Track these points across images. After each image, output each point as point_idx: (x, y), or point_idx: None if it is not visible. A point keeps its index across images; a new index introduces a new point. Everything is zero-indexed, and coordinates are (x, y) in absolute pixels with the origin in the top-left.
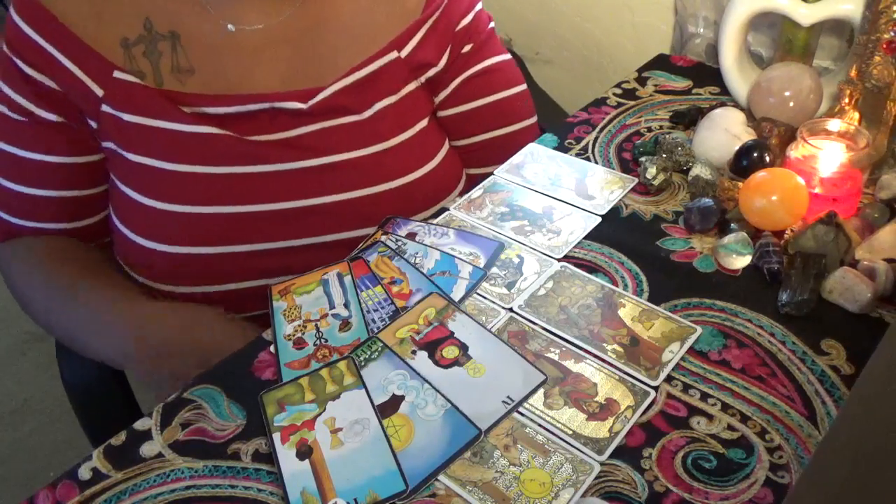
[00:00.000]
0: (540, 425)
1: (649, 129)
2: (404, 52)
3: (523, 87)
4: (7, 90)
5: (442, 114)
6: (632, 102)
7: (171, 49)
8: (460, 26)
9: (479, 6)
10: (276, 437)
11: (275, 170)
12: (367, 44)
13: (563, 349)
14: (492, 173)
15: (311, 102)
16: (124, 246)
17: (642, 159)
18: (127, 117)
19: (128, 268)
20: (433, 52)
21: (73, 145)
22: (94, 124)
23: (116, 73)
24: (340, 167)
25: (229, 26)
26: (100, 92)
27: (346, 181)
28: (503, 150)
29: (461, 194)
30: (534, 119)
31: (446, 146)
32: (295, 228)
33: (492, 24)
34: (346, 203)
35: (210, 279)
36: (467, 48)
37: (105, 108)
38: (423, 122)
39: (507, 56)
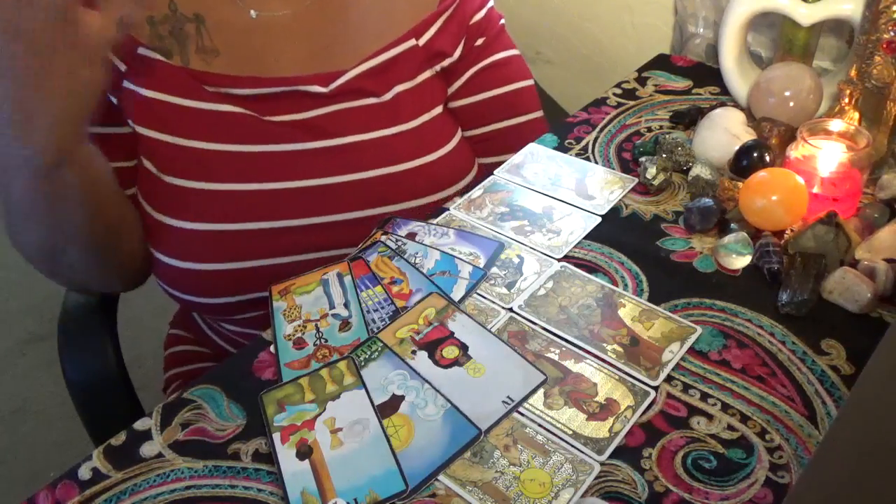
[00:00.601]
0: (540, 425)
1: (649, 129)
2: (422, 41)
3: (531, 81)
4: None
5: (454, 104)
6: (632, 102)
7: (196, 31)
8: (474, 20)
9: (491, 3)
10: (276, 437)
11: (293, 149)
12: (387, 30)
13: (563, 349)
14: (502, 163)
15: (332, 86)
16: (145, 221)
17: (642, 159)
18: (147, 93)
19: (149, 243)
20: (449, 43)
21: (103, 116)
22: (114, 100)
23: (141, 50)
24: (358, 147)
25: (252, 12)
26: (122, 67)
27: (364, 161)
28: (512, 140)
29: (470, 185)
30: (540, 112)
31: (459, 134)
32: (310, 207)
33: (502, 21)
34: (363, 182)
35: (227, 256)
36: (480, 41)
37: (126, 83)
38: (438, 109)
39: (516, 51)
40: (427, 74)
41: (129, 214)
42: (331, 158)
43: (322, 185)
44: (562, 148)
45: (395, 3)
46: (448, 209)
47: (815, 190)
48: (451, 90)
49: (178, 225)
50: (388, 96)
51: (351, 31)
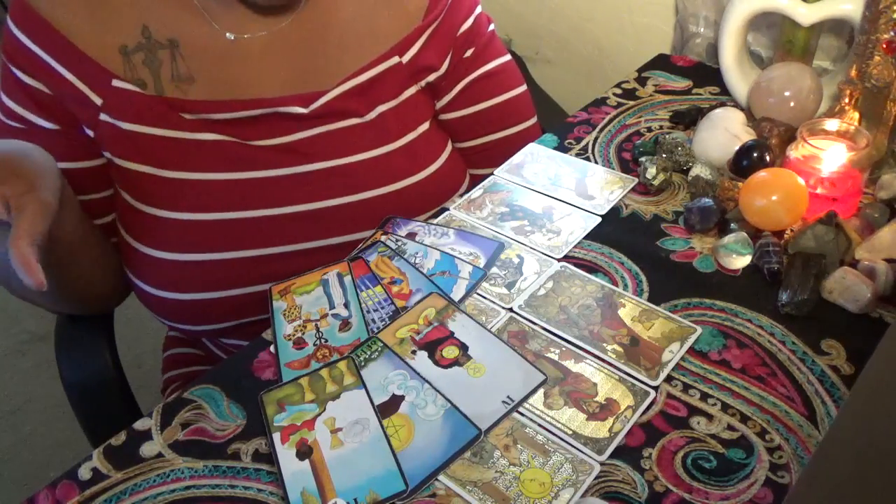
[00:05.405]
0: (540, 425)
1: (649, 129)
2: (406, 58)
3: (524, 87)
4: (4, 98)
5: (445, 117)
6: (632, 102)
7: (171, 57)
8: (461, 31)
9: (478, 10)
10: (276, 437)
11: (277, 175)
12: (369, 49)
13: (563, 349)
14: (493, 173)
15: (312, 107)
16: (127, 253)
17: (642, 159)
18: (126, 126)
19: (131, 275)
20: (435, 57)
21: (73, 151)
22: (91, 133)
23: (115, 82)
24: (344, 170)
25: (228, 35)
26: (98, 101)
27: (350, 184)
28: (507, 150)
29: (463, 195)
30: (535, 119)
31: (449, 148)
32: (298, 232)
33: (492, 27)
34: (350, 206)
35: (215, 286)
36: (469, 53)
37: (103, 116)
38: (425, 125)
39: (508, 57)
40: (412, 91)
41: (90, 259)
42: (318, 182)
43: (311, 210)
44: (562, 148)
45: (377, 19)
46: (448, 209)
47: (816, 190)
48: (441, 104)
49: (161, 256)
50: (371, 116)
51: (331, 50)
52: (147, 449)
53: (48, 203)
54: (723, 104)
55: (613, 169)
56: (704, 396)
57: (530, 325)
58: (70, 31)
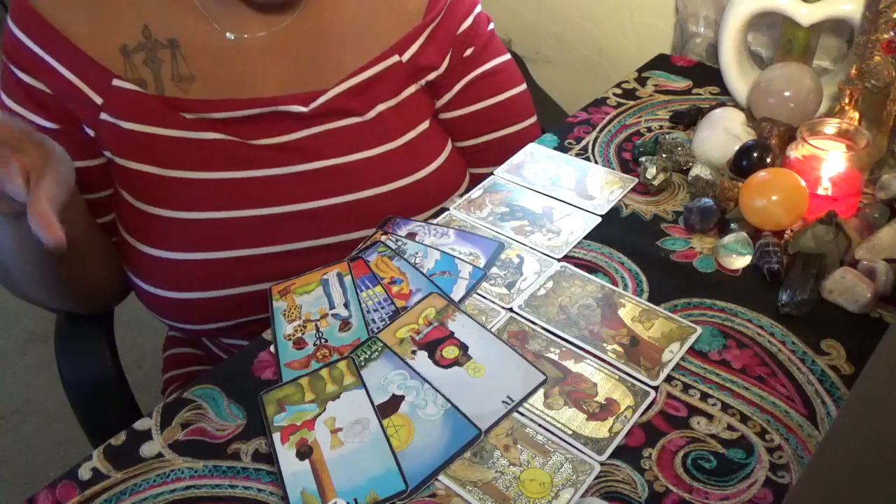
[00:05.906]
0: (540, 425)
1: (649, 129)
2: (405, 57)
3: (523, 86)
4: (4, 98)
5: (445, 116)
6: (632, 102)
7: (171, 57)
8: (461, 30)
9: (478, 9)
10: (276, 437)
11: (278, 173)
12: (369, 48)
13: (563, 349)
14: (493, 173)
15: (312, 106)
16: (127, 252)
17: (642, 159)
18: (126, 125)
19: (132, 274)
20: (435, 56)
21: (73, 150)
22: (91, 132)
23: (116, 82)
24: (343, 169)
25: (228, 34)
26: (99, 100)
27: (350, 183)
28: (507, 149)
29: (463, 194)
30: (534, 118)
31: (449, 147)
32: (299, 231)
33: (491, 26)
34: (350, 205)
35: (214, 285)
36: (469, 52)
37: (104, 116)
38: (425, 124)
39: (507, 56)
40: (412, 90)
41: (95, 258)
42: (318, 181)
43: (311, 209)
44: (562, 148)
45: (377, 18)
46: (448, 209)
47: (816, 190)
48: (440, 102)
49: (162, 255)
50: (370, 115)
51: (331, 49)
52: (147, 449)
53: (65, 179)
54: (723, 104)
55: (613, 169)
56: (704, 396)
57: (530, 325)
58: (70, 31)
